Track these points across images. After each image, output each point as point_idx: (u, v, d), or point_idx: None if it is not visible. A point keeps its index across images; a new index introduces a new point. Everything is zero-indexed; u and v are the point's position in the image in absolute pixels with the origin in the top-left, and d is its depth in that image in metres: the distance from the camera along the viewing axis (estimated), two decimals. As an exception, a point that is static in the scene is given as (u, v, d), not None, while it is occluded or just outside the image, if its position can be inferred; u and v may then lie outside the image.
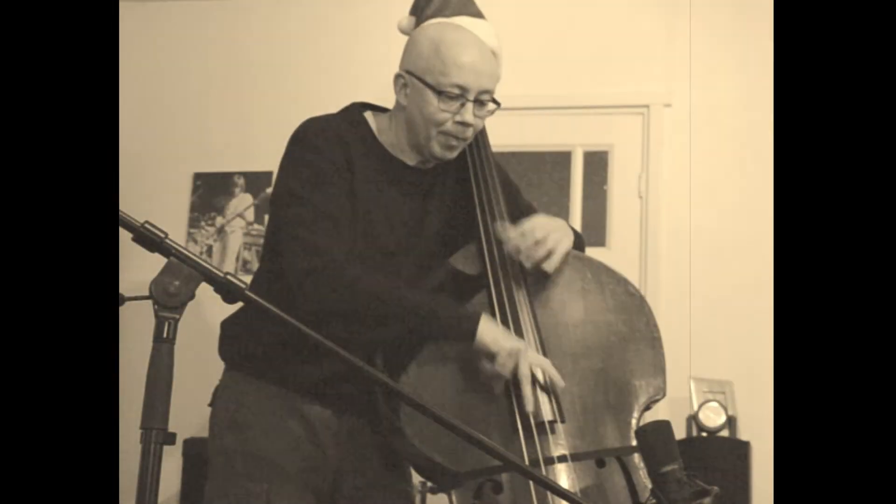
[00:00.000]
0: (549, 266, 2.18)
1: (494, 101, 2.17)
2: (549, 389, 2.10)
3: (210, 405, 2.30)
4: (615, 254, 4.07)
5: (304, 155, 2.14)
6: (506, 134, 2.49)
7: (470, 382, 2.09)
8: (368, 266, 2.11)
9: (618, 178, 4.22)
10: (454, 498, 2.05)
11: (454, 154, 2.19)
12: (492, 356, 2.03)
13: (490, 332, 2.04)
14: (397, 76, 2.19)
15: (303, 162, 2.13)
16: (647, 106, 4.23)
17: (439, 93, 2.10)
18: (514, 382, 2.05)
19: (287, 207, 2.12)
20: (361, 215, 2.14)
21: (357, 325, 2.03)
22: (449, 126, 2.12)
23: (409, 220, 2.21)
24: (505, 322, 2.15)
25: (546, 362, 2.09)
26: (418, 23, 2.36)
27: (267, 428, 2.16)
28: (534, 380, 2.06)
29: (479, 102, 2.13)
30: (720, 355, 3.90)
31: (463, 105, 2.11)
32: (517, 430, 2.05)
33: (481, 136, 2.34)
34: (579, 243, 2.34)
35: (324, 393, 2.17)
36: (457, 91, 2.10)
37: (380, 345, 2.13)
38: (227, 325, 2.28)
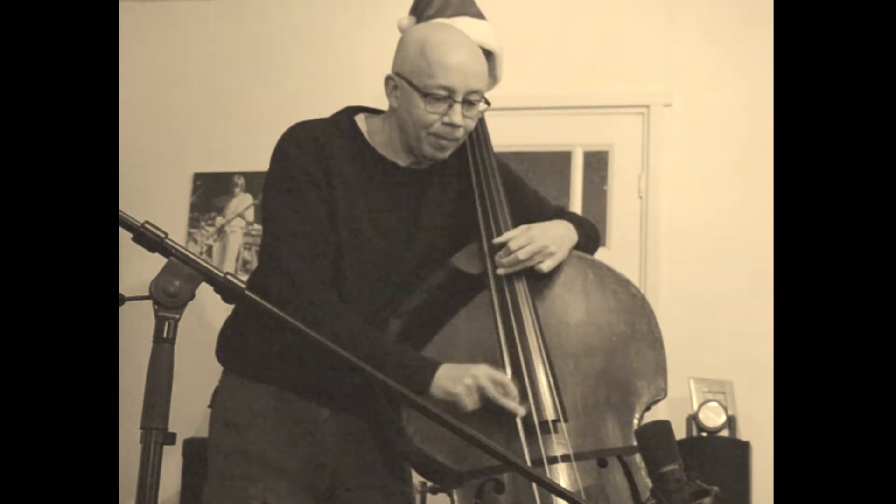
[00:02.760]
0: (503, 272, 2.18)
1: (485, 101, 2.16)
2: (552, 388, 2.10)
3: (210, 406, 2.30)
4: (615, 254, 4.07)
5: (282, 167, 2.15)
6: (506, 134, 2.49)
7: None
8: (359, 276, 2.12)
9: (618, 178, 4.23)
10: (456, 497, 2.06)
11: (446, 154, 2.18)
12: (455, 404, 2.01)
13: (441, 384, 2.00)
14: (387, 78, 2.18)
15: (280, 175, 2.14)
16: (647, 106, 4.24)
17: (426, 95, 2.09)
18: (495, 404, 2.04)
19: (266, 224, 2.17)
20: (345, 224, 2.13)
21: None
22: (437, 127, 2.11)
23: (403, 221, 2.21)
24: (507, 322, 2.15)
25: (506, 380, 2.05)
26: (418, 23, 2.36)
27: (264, 428, 2.17)
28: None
29: (468, 103, 2.11)
30: (720, 355, 3.90)
31: (451, 106, 2.10)
32: (519, 428, 2.05)
33: (482, 132, 2.33)
34: (587, 239, 2.33)
35: (319, 392, 2.17)
36: (443, 92, 2.09)
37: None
38: (224, 328, 2.28)
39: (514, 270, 2.19)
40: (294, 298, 2.02)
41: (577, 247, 2.28)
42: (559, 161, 4.27)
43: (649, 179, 4.18)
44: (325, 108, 2.30)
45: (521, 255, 2.17)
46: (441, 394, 2.01)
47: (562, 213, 2.40)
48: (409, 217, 2.22)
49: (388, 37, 2.47)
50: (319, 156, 2.13)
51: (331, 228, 2.11)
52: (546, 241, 2.20)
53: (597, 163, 4.26)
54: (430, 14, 2.35)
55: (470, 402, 2.01)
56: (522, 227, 2.22)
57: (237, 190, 4.54)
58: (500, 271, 2.19)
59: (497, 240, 2.21)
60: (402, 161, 2.21)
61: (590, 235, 2.35)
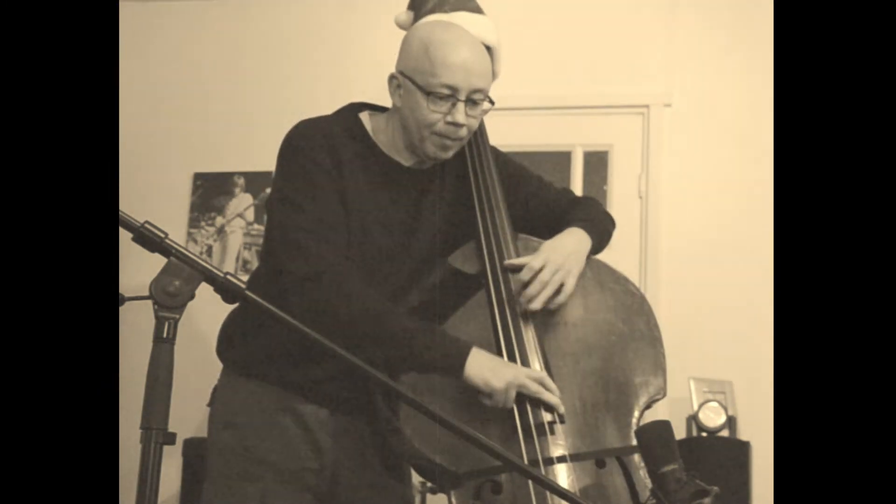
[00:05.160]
0: (540, 304, 2.14)
1: (489, 101, 2.15)
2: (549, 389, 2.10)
3: (209, 405, 2.30)
4: (615, 254, 4.04)
5: (294, 160, 2.13)
6: (506, 134, 2.49)
7: None
8: (364, 273, 2.10)
9: (618, 178, 4.23)
10: (453, 498, 2.05)
11: (449, 154, 2.17)
12: (488, 396, 2.02)
13: (479, 370, 2.00)
14: (391, 77, 2.17)
15: (294, 168, 2.12)
16: (647, 106, 4.24)
17: (428, 93, 2.08)
18: (518, 404, 2.05)
19: (281, 213, 2.12)
20: (355, 218, 2.12)
21: (343, 341, 2.00)
22: (440, 127, 2.10)
23: (404, 221, 2.20)
24: (504, 323, 2.14)
25: (543, 375, 2.07)
26: (416, 18, 2.34)
27: (264, 428, 2.16)
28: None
29: (471, 102, 2.10)
30: (720, 355, 3.90)
31: (454, 105, 2.09)
32: (516, 430, 2.05)
33: (479, 132, 2.32)
34: (601, 238, 2.30)
35: (321, 392, 2.17)
36: (446, 91, 2.08)
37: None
38: (226, 326, 2.28)
39: (544, 297, 2.13)
40: (317, 277, 2.01)
41: (591, 251, 2.25)
42: (559, 161, 4.27)
43: (649, 179, 4.18)
44: (324, 108, 2.30)
45: (545, 275, 2.13)
46: (478, 381, 2.00)
47: (572, 206, 2.36)
48: (411, 217, 2.21)
49: (387, 36, 2.47)
50: (330, 151, 2.12)
51: (344, 223, 2.11)
52: (561, 259, 2.16)
53: (597, 163, 4.26)
54: (429, 9, 2.33)
55: (507, 400, 2.02)
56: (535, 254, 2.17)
57: (237, 190, 4.54)
58: (535, 304, 2.13)
59: (509, 262, 2.18)
60: (404, 161, 2.20)
61: (603, 232, 2.32)
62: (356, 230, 2.13)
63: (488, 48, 2.21)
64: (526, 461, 2.00)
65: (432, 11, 2.32)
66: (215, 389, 2.30)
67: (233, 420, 2.19)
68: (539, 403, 2.06)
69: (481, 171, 2.29)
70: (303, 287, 2.01)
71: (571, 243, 2.22)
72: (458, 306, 2.20)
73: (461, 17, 2.26)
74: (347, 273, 2.05)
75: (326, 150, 2.12)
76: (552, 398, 2.04)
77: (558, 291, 2.15)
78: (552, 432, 2.06)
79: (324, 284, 2.01)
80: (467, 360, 2.00)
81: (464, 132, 2.13)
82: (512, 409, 2.06)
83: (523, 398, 2.05)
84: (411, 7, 2.41)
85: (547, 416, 2.06)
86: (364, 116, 2.23)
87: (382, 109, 2.26)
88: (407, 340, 2.01)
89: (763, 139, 3.88)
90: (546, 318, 2.19)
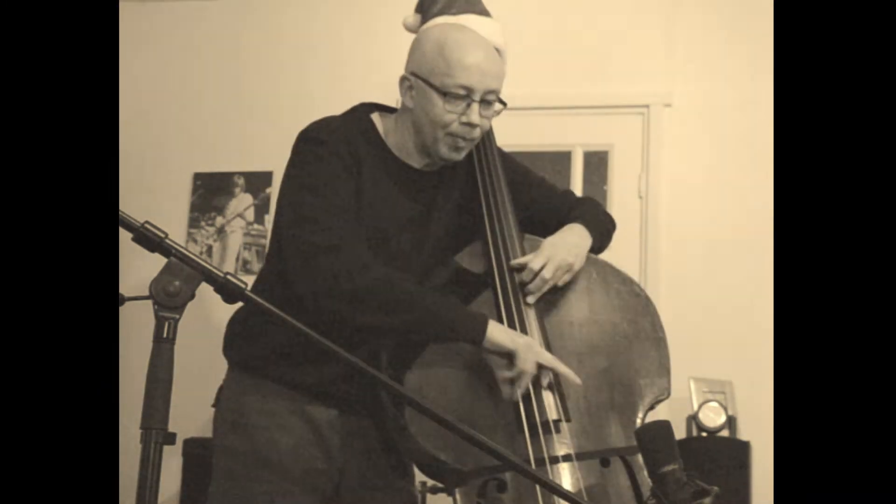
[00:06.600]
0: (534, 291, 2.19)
1: (501, 101, 2.16)
2: (553, 388, 2.10)
3: (214, 405, 2.29)
4: (615, 254, 4.05)
5: (313, 151, 2.13)
6: (506, 134, 2.49)
7: (475, 379, 2.09)
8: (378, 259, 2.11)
9: (618, 178, 4.23)
10: (458, 497, 2.05)
11: (462, 155, 2.18)
12: (511, 354, 2.03)
13: (501, 331, 2.05)
14: (402, 78, 2.18)
15: (312, 158, 2.12)
16: (647, 106, 4.24)
17: (444, 94, 2.09)
18: (532, 382, 2.06)
19: (297, 195, 2.11)
20: (370, 218, 2.13)
21: (362, 309, 2.00)
22: (455, 127, 2.12)
23: (414, 223, 2.21)
24: (511, 321, 2.14)
25: (556, 360, 2.09)
26: (424, 20, 2.35)
27: (271, 428, 2.16)
28: (541, 379, 2.08)
29: (485, 103, 2.12)
30: (720, 355, 3.90)
31: (469, 106, 2.10)
32: (522, 428, 2.05)
33: (487, 133, 2.33)
34: (602, 237, 2.33)
35: (328, 393, 2.17)
36: (462, 92, 2.09)
37: (382, 337, 2.11)
38: (232, 324, 2.27)
39: (543, 291, 2.19)
40: (334, 248, 2.01)
41: (591, 249, 2.28)
42: (559, 161, 4.27)
43: (649, 179, 4.18)
44: (324, 108, 2.30)
45: (546, 273, 2.18)
46: (504, 340, 2.04)
47: (574, 206, 2.39)
48: (421, 219, 2.22)
49: (389, 37, 2.48)
50: (349, 148, 2.13)
51: (357, 217, 2.11)
52: (563, 254, 2.21)
53: (597, 163, 4.26)
54: (436, 11, 2.34)
55: (529, 359, 2.03)
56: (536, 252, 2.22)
57: (237, 190, 4.54)
58: (530, 299, 2.19)
59: (514, 262, 2.20)
60: (415, 163, 2.21)
61: (603, 231, 2.36)
62: (372, 230, 2.13)
63: (497, 50, 2.22)
64: (532, 459, 2.01)
65: (440, 14, 2.33)
66: (221, 389, 2.29)
67: (240, 420, 2.18)
68: (543, 400, 2.07)
69: (489, 171, 2.30)
70: (321, 256, 2.01)
71: (572, 238, 2.26)
72: (465, 305, 2.20)
73: (470, 20, 2.28)
74: (363, 248, 2.07)
75: (346, 145, 2.13)
76: (567, 370, 2.07)
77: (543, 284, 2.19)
78: (558, 431, 2.07)
79: (341, 254, 2.02)
80: (489, 324, 2.03)
81: (477, 133, 2.14)
82: (518, 407, 2.07)
83: (528, 397, 2.06)
84: (419, 10, 2.42)
85: (553, 415, 2.07)
86: (375, 118, 2.23)
87: (391, 110, 2.26)
88: (428, 303, 2.03)
89: (763, 139, 3.88)
90: (552, 318, 2.19)
